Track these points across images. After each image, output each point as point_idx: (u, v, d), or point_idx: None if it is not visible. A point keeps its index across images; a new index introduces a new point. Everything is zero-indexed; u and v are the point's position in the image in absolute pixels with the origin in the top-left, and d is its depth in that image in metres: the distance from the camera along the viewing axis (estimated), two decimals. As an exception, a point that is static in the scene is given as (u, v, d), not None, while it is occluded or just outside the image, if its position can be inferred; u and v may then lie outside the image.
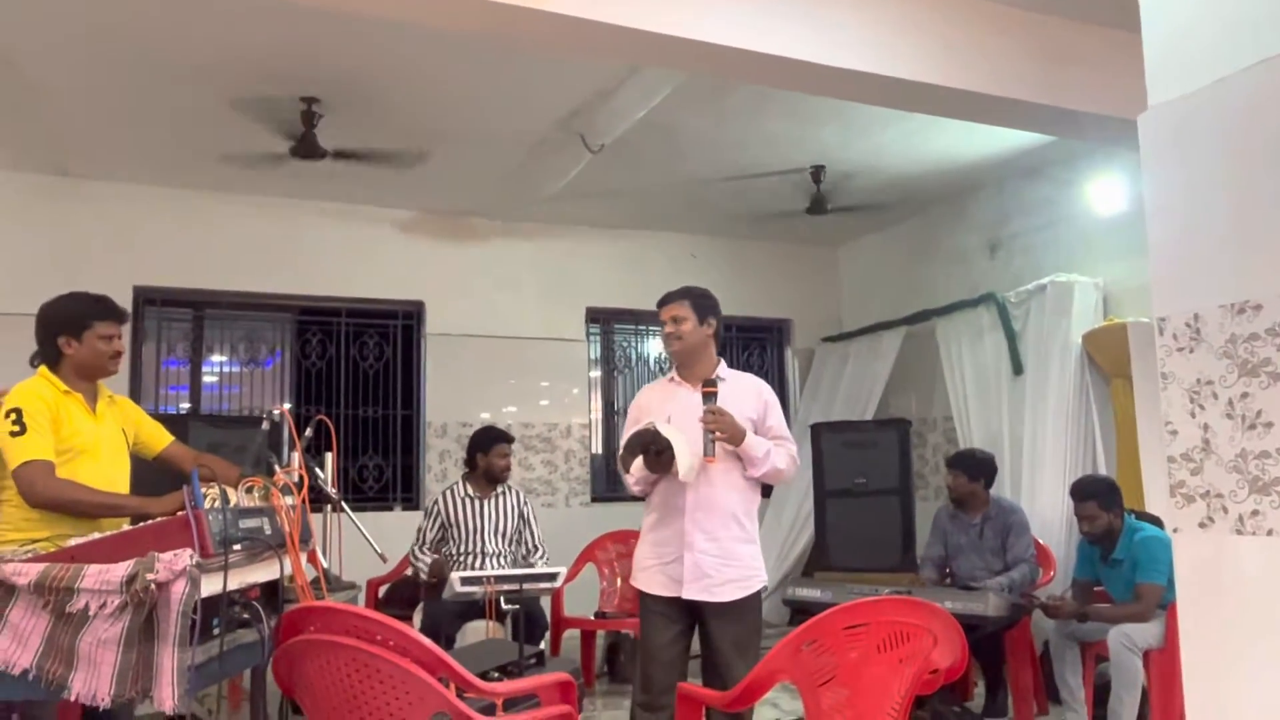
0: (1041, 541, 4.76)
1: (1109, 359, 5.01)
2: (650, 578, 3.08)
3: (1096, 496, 4.09)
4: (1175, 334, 2.18)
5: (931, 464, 6.68)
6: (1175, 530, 2.15)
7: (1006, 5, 3.90)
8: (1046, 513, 5.00)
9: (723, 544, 3.02)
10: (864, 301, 7.35)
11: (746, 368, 7.66)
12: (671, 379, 3.26)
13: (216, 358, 6.50)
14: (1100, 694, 4.00)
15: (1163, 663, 3.64)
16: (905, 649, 2.14)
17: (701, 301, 3.21)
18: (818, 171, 5.88)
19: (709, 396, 2.99)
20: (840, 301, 7.76)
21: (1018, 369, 5.47)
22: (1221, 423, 2.07)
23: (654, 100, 4.61)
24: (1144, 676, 3.75)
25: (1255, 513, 1.99)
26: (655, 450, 2.97)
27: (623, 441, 3.21)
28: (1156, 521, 4.13)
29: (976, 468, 4.62)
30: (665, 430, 2.93)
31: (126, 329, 5.53)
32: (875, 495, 5.57)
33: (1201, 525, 2.10)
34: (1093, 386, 5.15)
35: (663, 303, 3.23)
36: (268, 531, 2.12)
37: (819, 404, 7.03)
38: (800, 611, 4.44)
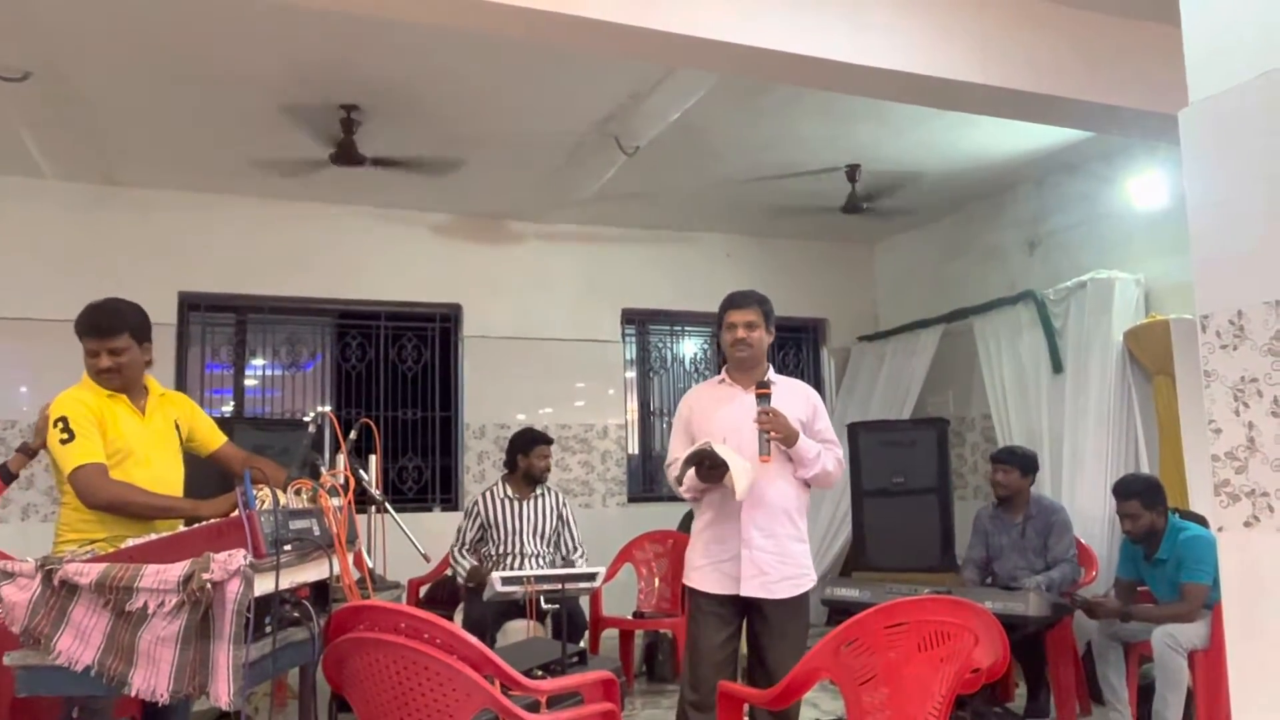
0: (1083, 541, 4.71)
1: (1151, 356, 4.95)
2: (704, 576, 3.11)
3: (1139, 495, 4.05)
4: (1219, 331, 2.17)
5: (970, 463, 6.63)
6: (1220, 529, 2.13)
7: (1044, 1, 3.88)
8: (1088, 511, 4.95)
9: (779, 541, 3.09)
10: (900, 300, 7.32)
11: (783, 367, 7.70)
12: (722, 380, 3.28)
13: (258, 361, 6.61)
14: (1144, 694, 3.96)
15: (1208, 663, 3.60)
16: (946, 648, 2.14)
17: (769, 309, 3.28)
18: (853, 170, 5.87)
19: (763, 398, 3.07)
20: (876, 300, 7.73)
21: (1057, 367, 5.41)
22: (1266, 421, 2.05)
23: (688, 102, 4.63)
24: (1189, 677, 3.71)
25: (1302, 511, 1.97)
26: (709, 465, 3.00)
27: (672, 445, 3.29)
28: (1201, 520, 4.08)
29: (1026, 463, 4.60)
30: (721, 451, 2.95)
31: (167, 336, 5.62)
32: (913, 494, 5.55)
33: (1247, 524, 2.08)
34: (1134, 384, 5.09)
35: (732, 306, 3.24)
36: (316, 532, 2.17)
37: (856, 403, 7.01)
38: (839, 611, 4.43)
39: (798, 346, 7.81)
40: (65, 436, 2.56)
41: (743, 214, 6.87)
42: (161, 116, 5.00)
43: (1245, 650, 2.05)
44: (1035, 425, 5.50)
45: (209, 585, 1.82)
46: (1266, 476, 2.05)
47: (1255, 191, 2.13)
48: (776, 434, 3.02)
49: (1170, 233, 5.01)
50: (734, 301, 3.25)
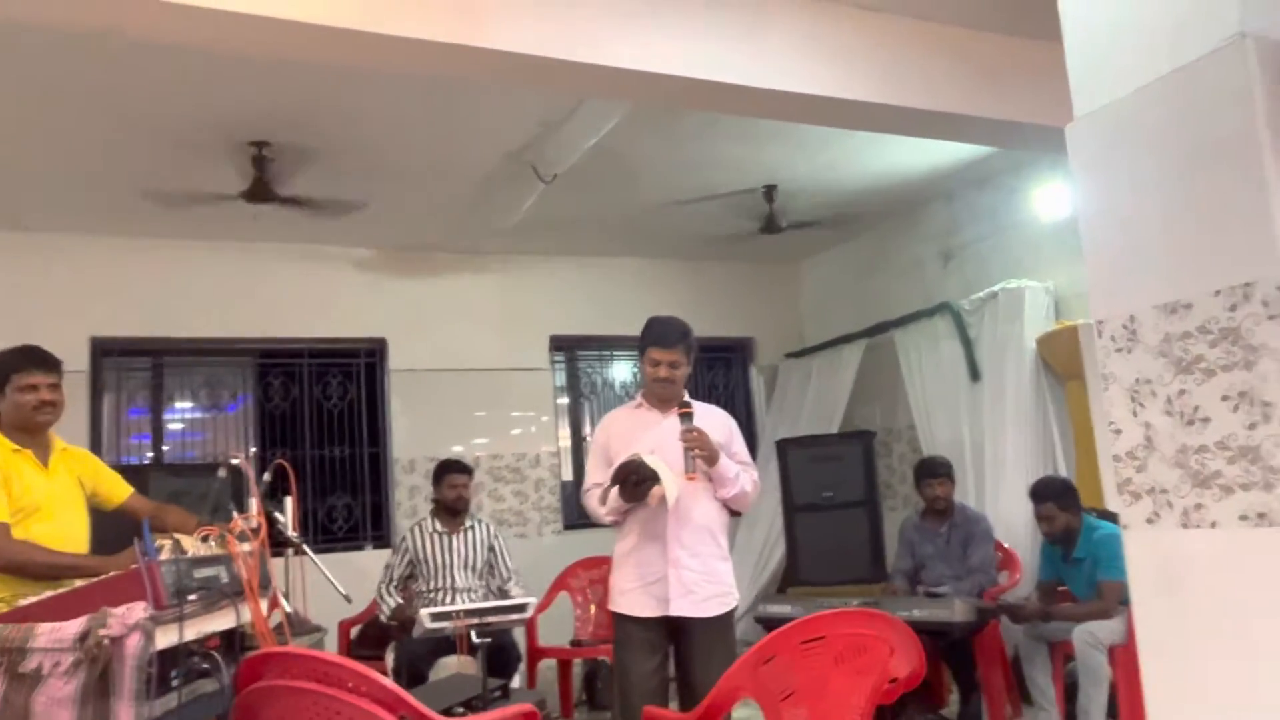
0: (1006, 545, 4.82)
1: (1062, 361, 5.11)
2: (633, 600, 3.09)
3: (1054, 497, 4.16)
4: (1114, 336, 2.24)
5: (898, 473, 6.74)
6: (1126, 527, 2.20)
7: (941, 24, 4.00)
8: (1010, 516, 5.06)
9: (705, 560, 3.12)
10: (824, 316, 7.44)
11: (711, 387, 7.76)
12: (639, 405, 3.29)
13: (179, 404, 6.45)
14: (1070, 692, 4.05)
15: (1127, 658, 3.69)
16: (863, 660, 2.17)
17: (691, 343, 3.31)
18: (770, 190, 5.96)
19: (686, 417, 3.11)
20: (802, 317, 7.84)
21: (975, 375, 5.55)
22: (1161, 420, 2.12)
23: (604, 129, 4.66)
24: (1110, 672, 3.81)
25: (1199, 506, 2.04)
26: (635, 480, 3.00)
27: (590, 471, 3.27)
28: (1115, 519, 4.19)
29: (949, 470, 4.71)
30: (651, 461, 2.97)
31: (80, 383, 5.45)
32: (843, 508, 5.62)
33: (1149, 521, 2.14)
34: (1048, 389, 5.24)
35: (658, 344, 3.23)
36: (224, 580, 2.11)
37: (785, 420, 7.09)
38: (773, 628, 4.45)
39: (726, 366, 7.88)
40: None
41: (665, 237, 6.93)
42: (67, 159, 4.87)
43: (1155, 643, 2.10)
44: (957, 433, 5.62)
45: (107, 641, 1.75)
46: (1164, 474, 2.12)
47: (1140, 202, 2.22)
48: (702, 452, 3.04)
49: (1076, 241, 5.14)
50: (659, 339, 3.24)
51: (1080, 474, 4.84)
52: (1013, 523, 5.04)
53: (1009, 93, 4.11)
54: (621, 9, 3.49)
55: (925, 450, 5.75)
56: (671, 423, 3.15)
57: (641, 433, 3.18)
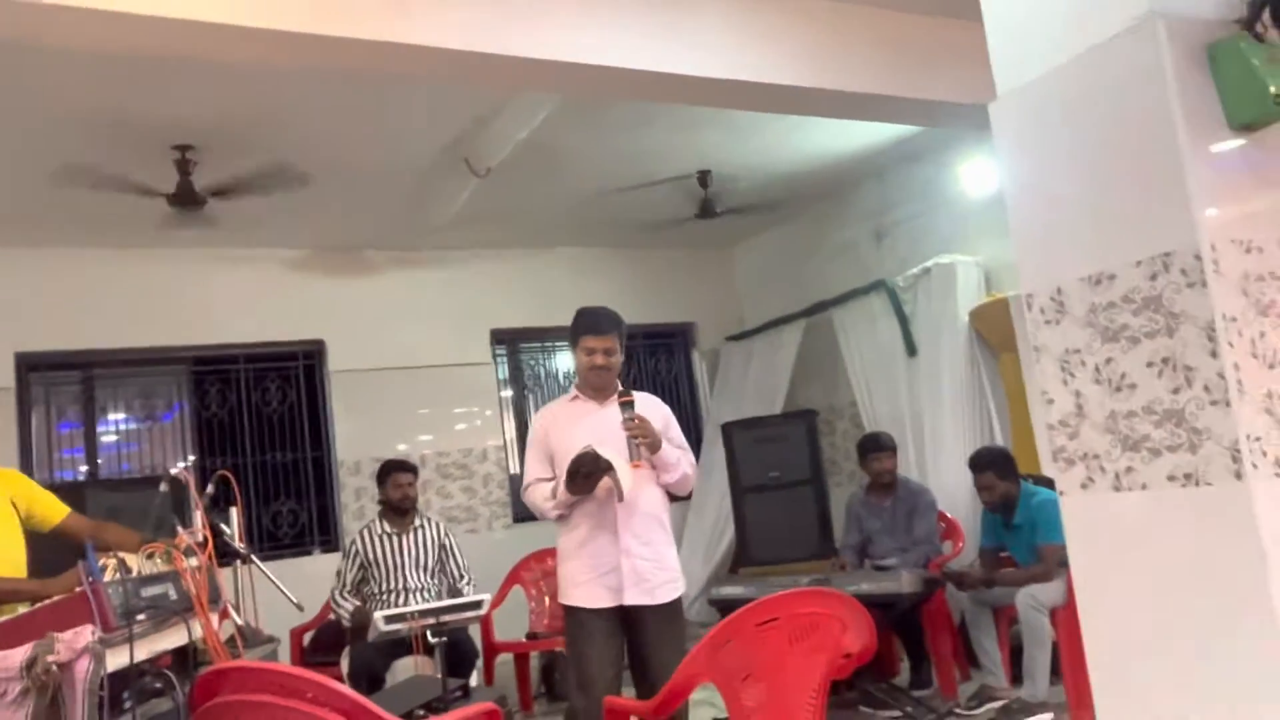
0: (950, 515, 4.94)
1: (995, 334, 5.24)
2: (587, 592, 3.08)
3: (993, 466, 4.27)
4: (1042, 309, 2.30)
5: (842, 450, 6.86)
6: (1062, 493, 2.27)
7: (866, 6, 4.05)
8: (951, 488, 5.19)
9: (655, 547, 3.14)
10: (763, 298, 7.51)
11: (654, 373, 7.80)
12: (575, 398, 3.30)
13: (112, 416, 6.29)
14: (1016, 655, 4.17)
15: (1068, 619, 3.81)
16: (815, 638, 2.22)
17: (624, 330, 3.30)
18: (704, 176, 6.00)
19: (627, 405, 3.12)
20: (740, 300, 7.91)
21: (911, 350, 5.66)
22: (1091, 388, 2.19)
23: (535, 121, 4.64)
24: (1052, 633, 3.93)
25: (1129, 469, 2.11)
26: (585, 473, 3.00)
27: (529, 466, 3.24)
28: (1052, 485, 4.31)
29: (891, 445, 4.81)
30: (604, 453, 2.96)
31: (6, 399, 5.29)
32: (790, 487, 5.69)
33: (1083, 486, 2.21)
34: (983, 361, 5.38)
35: (590, 331, 3.22)
36: (173, 596, 2.08)
37: (729, 403, 7.15)
38: (728, 610, 4.50)
39: (669, 351, 7.92)
40: None
41: (602, 226, 6.93)
42: (-20, 171, 4.71)
43: (1094, 603, 2.18)
44: (897, 408, 5.74)
45: (55, 667, 1.72)
46: (1095, 440, 2.18)
47: (1062, 177, 2.28)
48: (645, 439, 3.07)
49: (1004, 215, 5.25)
50: (592, 327, 3.24)
51: (1016, 442, 4.97)
52: (954, 493, 5.17)
53: (934, 73, 4.19)
54: (549, 2, 3.48)
55: (868, 426, 5.86)
56: (610, 412, 3.17)
57: (580, 424, 3.18)
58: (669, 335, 7.90)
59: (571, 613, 3.13)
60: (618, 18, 3.59)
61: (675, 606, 3.16)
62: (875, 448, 4.83)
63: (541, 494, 3.17)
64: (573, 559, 3.14)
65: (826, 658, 2.20)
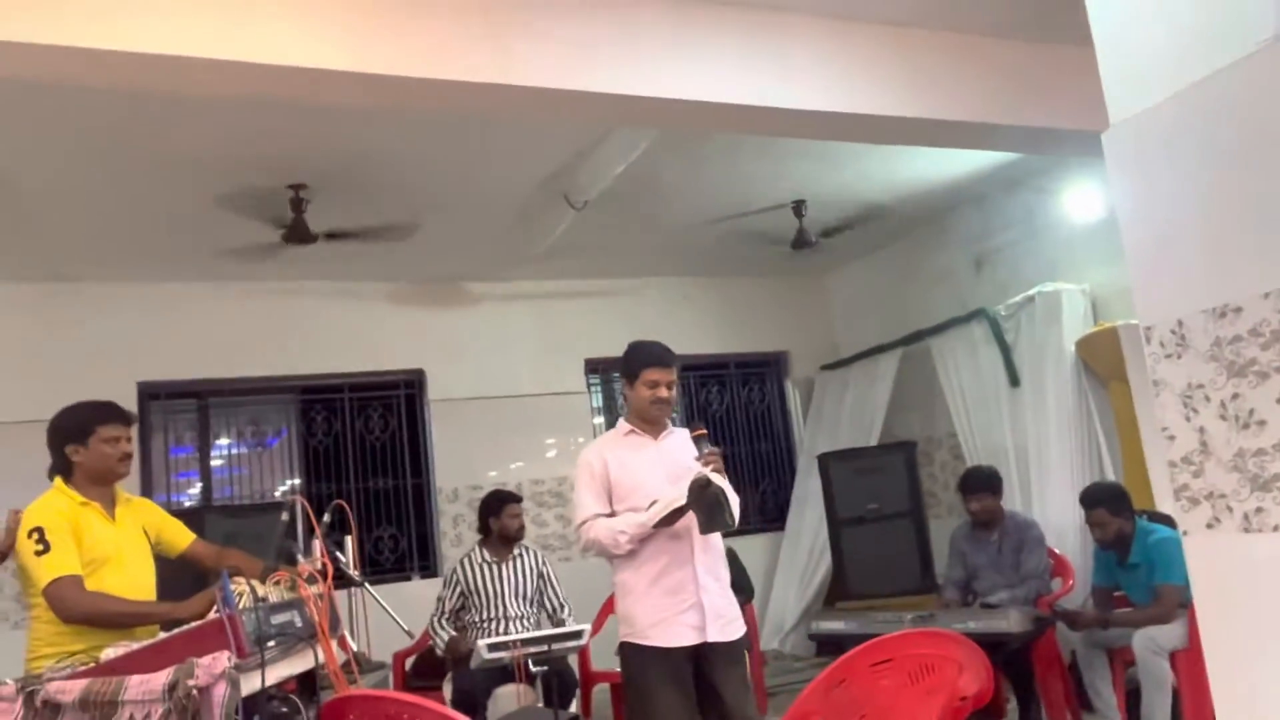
0: (1058, 551, 4.78)
1: (1103, 363, 5.07)
2: (666, 631, 2.98)
3: (1104, 503, 4.13)
4: (1162, 341, 2.24)
5: (941, 481, 6.71)
6: (1185, 533, 2.19)
7: (966, 34, 4.01)
8: (1058, 521, 5.03)
9: (723, 583, 3.11)
10: (858, 327, 7.43)
11: (747, 403, 7.78)
12: (631, 432, 3.21)
13: (221, 442, 6.56)
14: (1132, 698, 4.02)
15: (1189, 663, 3.66)
16: (932, 680, 2.17)
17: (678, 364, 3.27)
18: (799, 205, 5.98)
19: (703, 439, 3.06)
20: (835, 329, 7.83)
21: (1014, 381, 5.52)
22: (1216, 424, 2.12)
23: (633, 155, 4.71)
24: (1172, 677, 3.77)
25: (1260, 510, 2.03)
26: (709, 503, 2.91)
27: (583, 501, 3.10)
28: (1168, 521, 4.16)
29: (994, 483, 4.65)
30: (718, 480, 2.90)
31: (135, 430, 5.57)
32: (889, 520, 5.60)
33: (1209, 526, 2.13)
34: (1091, 391, 5.21)
35: (656, 364, 3.16)
36: (299, 624, 2.16)
37: (823, 433, 7.08)
38: (827, 644, 4.45)
39: (761, 381, 7.89)
40: (40, 548, 2.53)
41: (696, 256, 6.97)
42: (107, 210, 4.99)
43: (1221, 648, 2.10)
44: (999, 440, 5.60)
45: (195, 691, 1.80)
46: (1222, 479, 2.11)
47: (1182, 206, 2.22)
48: (723, 473, 3.00)
49: (1112, 241, 5.09)
50: (656, 360, 3.18)
51: (1128, 476, 4.80)
52: (1062, 528, 5.00)
53: (1038, 99, 4.11)
54: (646, 39, 3.54)
55: (968, 458, 5.72)
56: (666, 445, 3.16)
57: (640, 457, 3.13)
58: (761, 364, 7.87)
59: (640, 652, 3.00)
60: (714, 52, 3.63)
61: (742, 644, 3.12)
62: (977, 488, 4.65)
63: (611, 527, 3.04)
64: (646, 596, 3.02)
65: (942, 701, 2.16)
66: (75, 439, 2.76)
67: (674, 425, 3.27)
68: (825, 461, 6.01)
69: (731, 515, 2.95)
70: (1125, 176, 2.39)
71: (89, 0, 2.82)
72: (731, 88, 3.62)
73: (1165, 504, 4.46)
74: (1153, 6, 2.31)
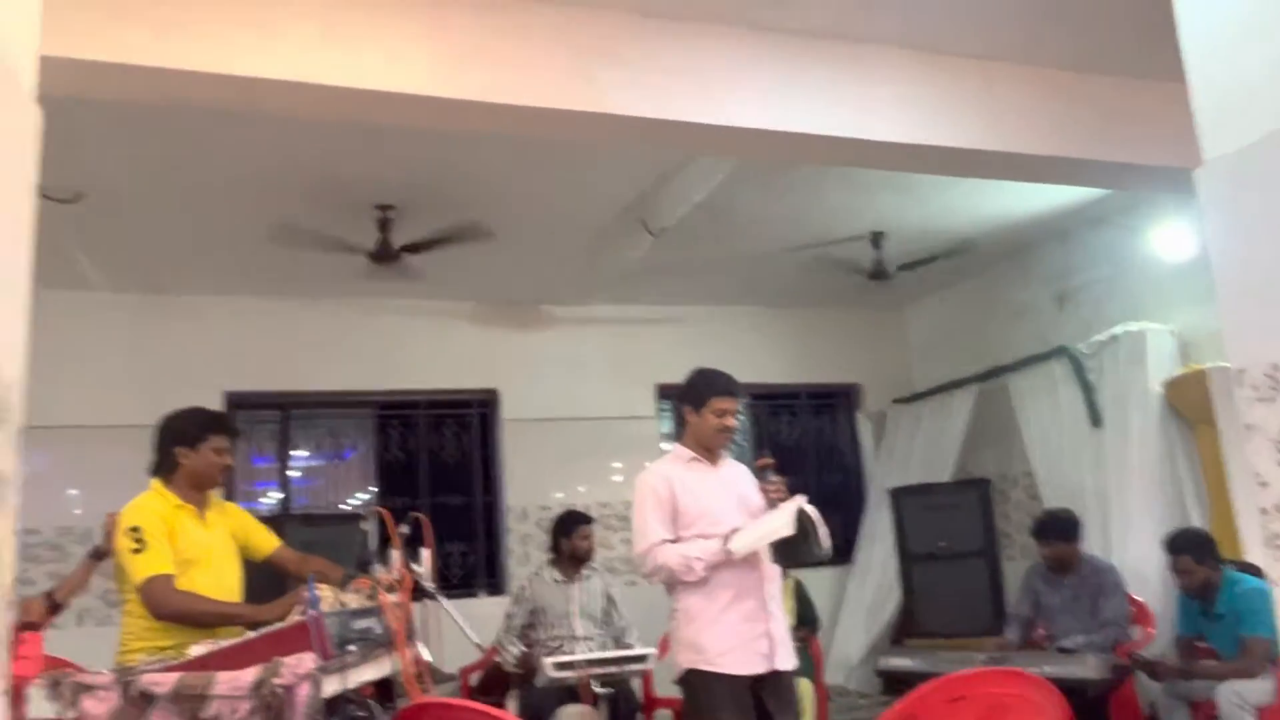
0: (1139, 598, 4.64)
1: (1191, 406, 4.93)
2: (737, 659, 2.98)
3: (1189, 550, 4.00)
4: (1255, 385, 2.17)
5: (1015, 522, 6.56)
6: (1275, 584, 2.12)
7: (1053, 69, 3.98)
8: (1140, 567, 4.88)
9: (782, 612, 3.16)
10: (933, 361, 7.34)
11: (818, 434, 7.73)
12: (694, 459, 3.21)
13: (300, 453, 6.74)
14: (1215, 755, 3.86)
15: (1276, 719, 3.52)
16: (1007, 720, 2.14)
17: None
18: (877, 237, 5.96)
19: (766, 469, 3.09)
20: (909, 362, 7.75)
21: (1096, 421, 5.40)
22: (1312, 472, 2.05)
23: (712, 183, 4.76)
24: (1260, 735, 3.62)
25: (1356, 562, 1.96)
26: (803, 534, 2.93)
27: (650, 526, 3.07)
28: (1257, 571, 4.01)
29: (1068, 529, 4.53)
30: (812, 512, 2.93)
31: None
32: (960, 558, 5.50)
33: (1301, 577, 2.06)
34: (1177, 435, 5.07)
35: (728, 393, 3.18)
36: (378, 631, 2.22)
37: (895, 467, 6.99)
38: (894, 681, 4.38)
39: (832, 412, 7.83)
40: (137, 546, 2.65)
41: (770, 285, 6.97)
42: (205, 227, 5.22)
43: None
44: (1078, 481, 5.46)
45: (280, 690, 1.87)
46: (1317, 529, 2.04)
47: (1277, 246, 2.16)
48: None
49: (1202, 281, 4.97)
50: (727, 389, 3.19)
51: (1215, 523, 4.64)
52: (1144, 574, 4.85)
53: (1125, 134, 4.05)
54: (729, 69, 3.59)
55: (1045, 499, 5.60)
56: (725, 474, 3.20)
57: (705, 485, 3.15)
58: (833, 396, 7.81)
59: (709, 679, 2.98)
60: (797, 83, 3.66)
61: (793, 673, 3.15)
62: (1052, 535, 4.50)
63: (684, 553, 3.02)
64: (717, 623, 3.01)
65: (1017, 742, 2.12)
66: (186, 442, 2.89)
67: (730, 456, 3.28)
68: (897, 496, 5.94)
69: (824, 546, 2.95)
70: (1219, 215, 2.32)
71: (193, 25, 2.97)
72: (814, 119, 3.65)
73: (1254, 553, 4.30)
74: (1251, 39, 2.27)
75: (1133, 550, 4.98)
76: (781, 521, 2.92)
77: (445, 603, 2.89)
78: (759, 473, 3.13)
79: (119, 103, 3.32)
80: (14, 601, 1.70)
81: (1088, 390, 5.47)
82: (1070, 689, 3.74)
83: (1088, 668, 3.78)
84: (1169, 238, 5.44)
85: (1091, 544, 5.05)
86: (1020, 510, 6.49)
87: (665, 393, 7.31)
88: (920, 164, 4.09)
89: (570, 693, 3.99)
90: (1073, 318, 6.12)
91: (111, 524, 2.83)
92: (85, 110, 3.50)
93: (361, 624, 2.16)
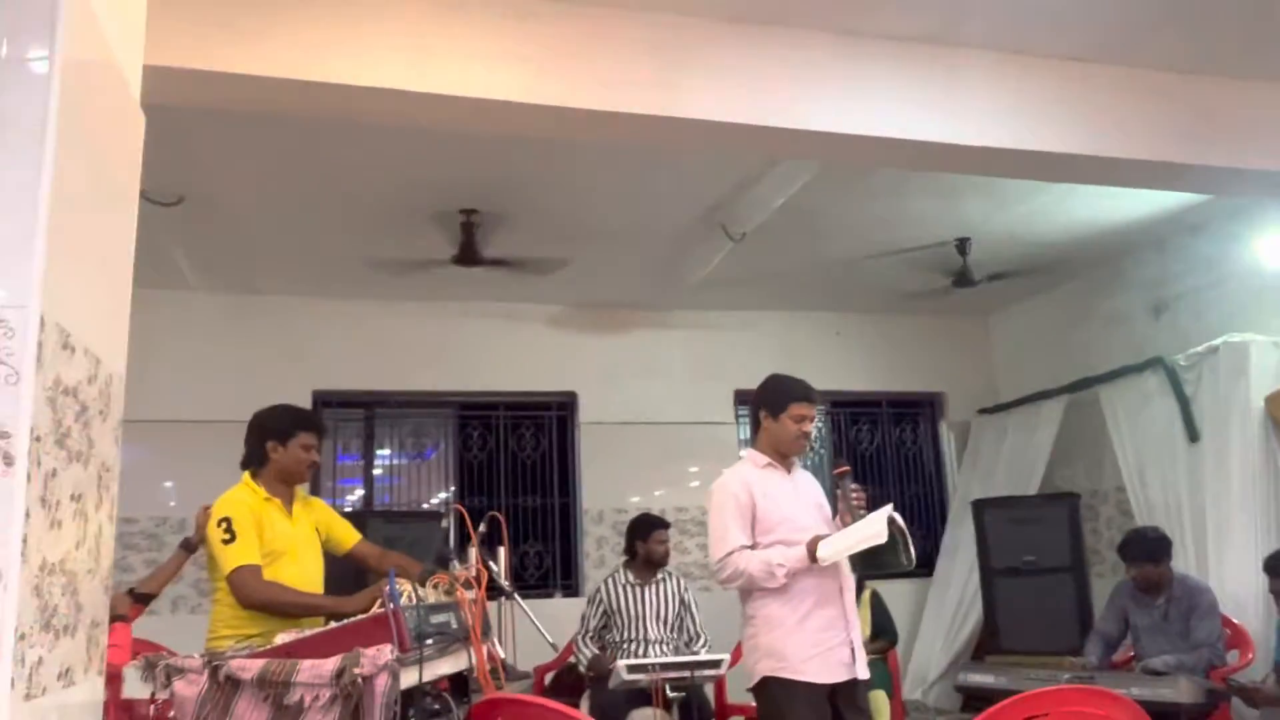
0: (1236, 620, 4.44)
1: (1297, 422, 4.71)
2: (818, 668, 2.96)
3: (1294, 572, 3.82)
4: (1366, 401, 2.07)
5: (1105, 538, 6.34)
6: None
7: (1147, 69, 3.85)
8: (1237, 589, 4.67)
9: (858, 618, 3.11)
10: (1020, 371, 7.14)
11: (899, 443, 7.60)
12: (770, 464, 3.18)
13: (384, 451, 6.89)
14: (1318, 789, 3.67)
15: (1387, 754, 3.33)
16: (1091, 741, 2.07)
17: None
18: (963, 243, 5.84)
19: (846, 476, 3.08)
20: (995, 372, 7.56)
21: (1193, 436, 5.18)
22: None
23: (793, 188, 4.72)
24: (1367, 770, 3.43)
25: None
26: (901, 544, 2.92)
27: (730, 532, 3.04)
28: (1366, 597, 3.81)
29: (1157, 550, 4.35)
30: (898, 518, 2.91)
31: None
32: (1047, 573, 5.34)
33: None
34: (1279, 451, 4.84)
35: (807, 399, 3.16)
36: (454, 625, 2.26)
37: (979, 479, 6.83)
38: (974, 698, 4.27)
39: (914, 422, 7.69)
40: (227, 537, 2.75)
41: (852, 291, 6.88)
42: (297, 230, 5.39)
43: None
44: (1173, 498, 5.25)
45: (360, 679, 1.91)
46: None
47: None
48: (864, 510, 3.02)
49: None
50: (805, 395, 3.16)
51: (1321, 545, 4.41)
52: (1242, 596, 4.64)
53: (1226, 138, 3.90)
54: (812, 72, 3.56)
55: (1138, 516, 5.40)
56: (797, 480, 3.19)
57: (781, 491, 3.13)
58: (915, 405, 7.67)
59: (790, 687, 2.95)
60: (881, 86, 3.62)
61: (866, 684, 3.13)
62: (1138, 556, 4.34)
63: (766, 560, 2.99)
64: (799, 631, 2.98)
65: (1102, 764, 2.05)
66: (277, 437, 2.99)
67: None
68: (980, 509, 5.80)
69: (912, 555, 2.94)
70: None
71: (296, 38, 3.08)
72: (899, 122, 3.60)
73: (1363, 579, 4.08)
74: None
75: (1231, 571, 4.76)
76: (875, 529, 2.88)
77: (520, 601, 2.93)
78: (837, 480, 3.12)
79: (218, 110, 3.46)
80: (111, 586, 1.79)
81: (1184, 403, 5.26)
82: (1160, 713, 3.61)
83: (1180, 691, 3.63)
84: (1272, 245, 5.21)
85: (1187, 564, 4.86)
86: (1112, 527, 6.27)
87: (743, 399, 7.27)
88: (1010, 169, 3.99)
89: (643, 695, 3.99)
90: (1169, 328, 5.89)
91: (204, 516, 2.93)
92: (186, 117, 3.64)
93: (438, 619, 2.20)
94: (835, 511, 3.17)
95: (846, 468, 3.13)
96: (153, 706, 2.05)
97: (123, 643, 2.82)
